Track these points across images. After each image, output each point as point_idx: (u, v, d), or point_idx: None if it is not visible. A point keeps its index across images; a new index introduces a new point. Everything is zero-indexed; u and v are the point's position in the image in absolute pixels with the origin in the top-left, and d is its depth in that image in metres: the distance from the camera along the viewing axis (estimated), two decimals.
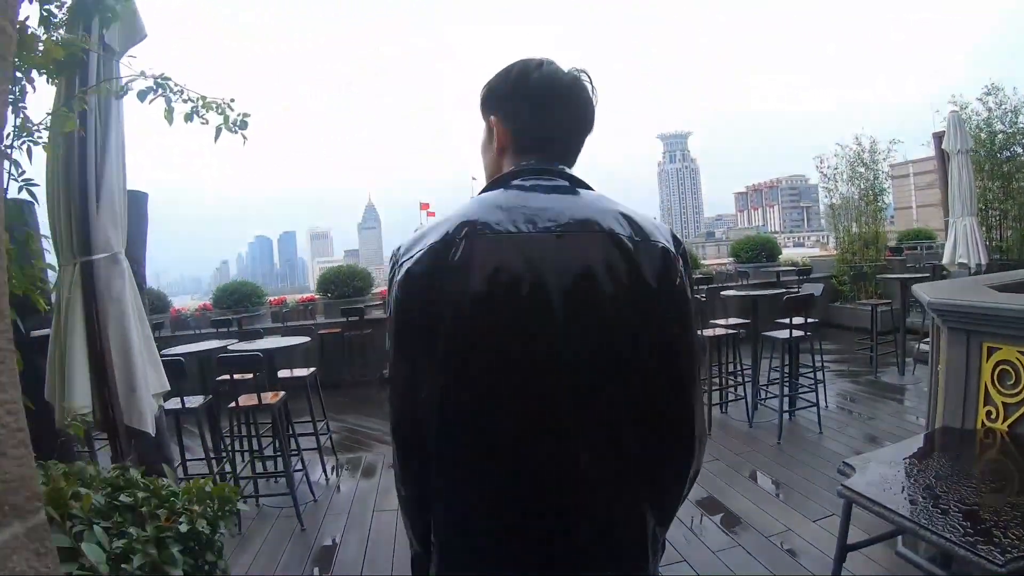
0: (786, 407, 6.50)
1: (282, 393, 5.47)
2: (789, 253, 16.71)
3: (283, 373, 6.50)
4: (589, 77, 1.41)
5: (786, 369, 6.58)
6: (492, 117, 1.43)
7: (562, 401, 1.17)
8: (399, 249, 1.29)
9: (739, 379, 7.44)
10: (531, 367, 1.17)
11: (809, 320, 6.62)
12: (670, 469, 1.27)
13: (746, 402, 7.01)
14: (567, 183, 1.32)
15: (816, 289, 8.07)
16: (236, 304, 11.63)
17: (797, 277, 12.33)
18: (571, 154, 1.43)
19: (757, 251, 13.70)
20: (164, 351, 6.15)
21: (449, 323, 1.17)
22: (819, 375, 6.85)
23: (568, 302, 1.16)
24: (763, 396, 7.18)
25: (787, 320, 6.67)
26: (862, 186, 13.20)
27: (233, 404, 5.32)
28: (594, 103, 1.42)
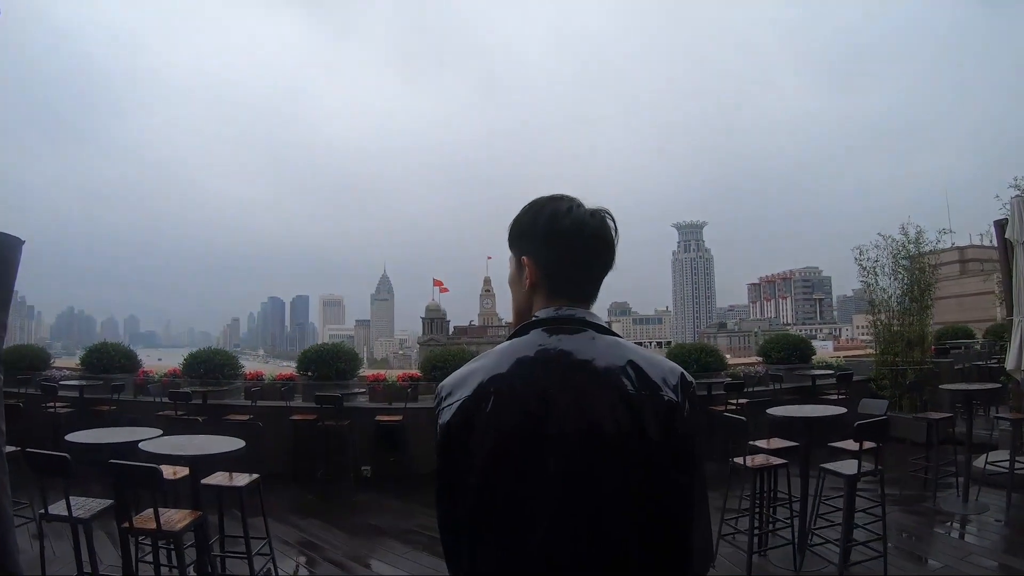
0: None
1: (195, 515, 4.31)
2: (822, 352, 15.30)
3: (216, 478, 5.25)
4: (612, 217, 1.52)
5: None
6: (524, 257, 1.51)
7: (569, 539, 1.27)
8: (442, 389, 1.42)
9: (780, 514, 6.12)
10: (542, 504, 1.27)
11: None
12: None
13: (792, 546, 5.65)
14: (591, 330, 1.42)
15: (879, 407, 6.78)
16: (206, 375, 10.57)
17: (835, 382, 11.05)
18: (595, 293, 1.54)
19: (789, 351, 12.52)
20: (71, 435, 5.27)
21: (478, 463, 1.32)
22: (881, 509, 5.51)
23: (577, 452, 1.28)
24: (812, 540, 5.77)
25: (847, 445, 5.76)
26: (906, 280, 11.90)
27: (126, 523, 4.20)
28: (616, 244, 1.52)
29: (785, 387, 11.15)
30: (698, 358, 11.13)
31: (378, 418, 9.15)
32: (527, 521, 1.27)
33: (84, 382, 10.35)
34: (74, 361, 12.81)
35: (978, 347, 15.00)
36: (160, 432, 5.52)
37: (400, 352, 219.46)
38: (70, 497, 4.31)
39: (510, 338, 1.47)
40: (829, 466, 5.57)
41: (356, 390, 10.10)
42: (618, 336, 1.44)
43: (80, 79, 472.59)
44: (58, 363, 12.87)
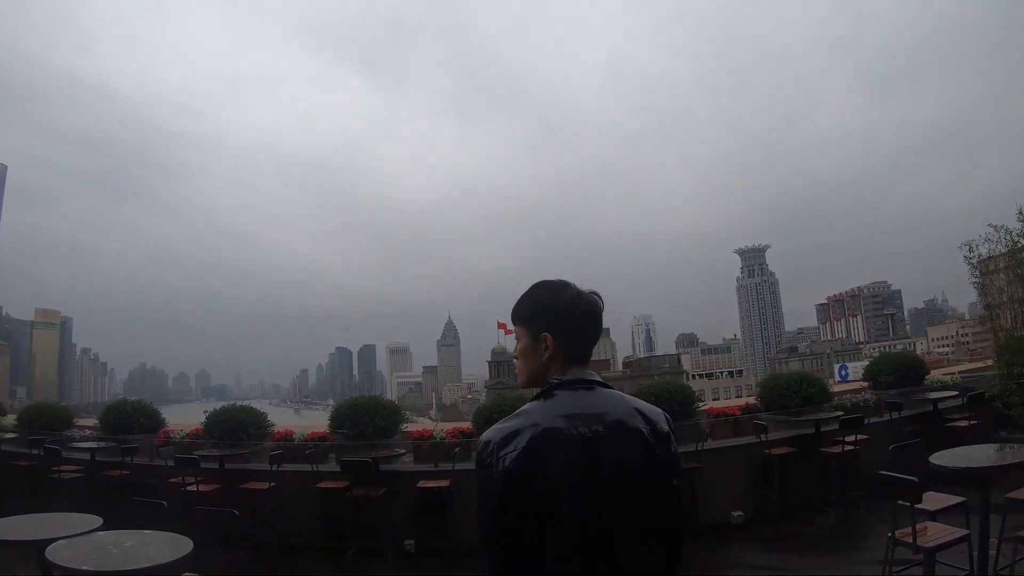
0: None
1: None
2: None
3: None
4: (600, 297, 2.06)
5: None
6: (546, 334, 1.97)
7: (627, 537, 1.77)
8: (490, 443, 1.79)
9: None
10: (595, 529, 1.73)
11: None
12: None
13: None
14: (599, 387, 1.93)
15: None
16: (229, 434, 9.30)
17: (963, 404, 9.34)
18: (591, 355, 2.06)
19: (901, 372, 10.66)
20: None
21: (545, 498, 1.71)
22: None
23: (615, 483, 1.76)
24: None
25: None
26: None
27: None
28: None
29: (905, 416, 9.39)
30: (798, 389, 9.50)
31: (421, 484, 7.72)
32: (594, 531, 1.72)
33: (98, 444, 9.51)
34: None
35: None
36: (100, 522, 4.36)
37: (469, 396, 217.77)
38: None
39: (538, 397, 1.93)
40: None
41: (397, 450, 8.67)
42: (613, 389, 1.96)
43: (145, 145, 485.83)
44: (82, 422, 12.12)
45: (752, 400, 10.17)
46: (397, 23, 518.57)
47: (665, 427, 1.89)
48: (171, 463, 8.25)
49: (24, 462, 9.52)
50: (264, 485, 7.82)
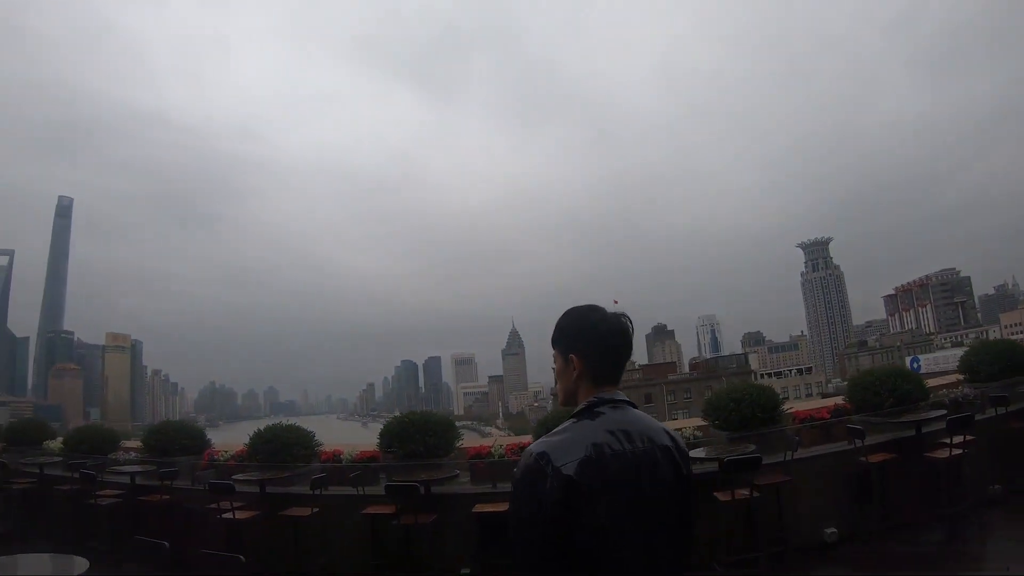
0: None
1: None
2: None
3: None
4: (630, 319, 2.19)
5: None
6: (572, 355, 2.13)
7: (656, 550, 1.93)
8: (545, 454, 1.90)
9: None
10: (639, 540, 1.90)
11: None
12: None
13: None
14: (629, 407, 2.08)
15: None
16: (273, 455, 8.78)
17: None
18: (621, 376, 2.19)
19: (1003, 362, 9.45)
20: None
21: (591, 514, 1.84)
22: None
23: (655, 493, 1.94)
24: None
25: None
26: None
27: None
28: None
29: (1012, 410, 8.38)
30: (893, 386, 8.45)
31: (477, 508, 6.98)
32: (638, 542, 1.89)
33: (141, 467, 9.19)
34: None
35: None
36: (85, 567, 4.01)
37: (535, 404, 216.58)
38: None
39: (580, 415, 2.05)
40: None
41: (452, 472, 8.01)
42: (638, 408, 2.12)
43: (208, 170, 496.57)
44: (128, 444, 11.84)
45: (840, 400, 9.24)
46: (450, 37, 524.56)
47: (683, 446, 2.12)
48: (203, 487, 7.82)
49: (66, 487, 9.25)
50: (307, 511, 7.25)
